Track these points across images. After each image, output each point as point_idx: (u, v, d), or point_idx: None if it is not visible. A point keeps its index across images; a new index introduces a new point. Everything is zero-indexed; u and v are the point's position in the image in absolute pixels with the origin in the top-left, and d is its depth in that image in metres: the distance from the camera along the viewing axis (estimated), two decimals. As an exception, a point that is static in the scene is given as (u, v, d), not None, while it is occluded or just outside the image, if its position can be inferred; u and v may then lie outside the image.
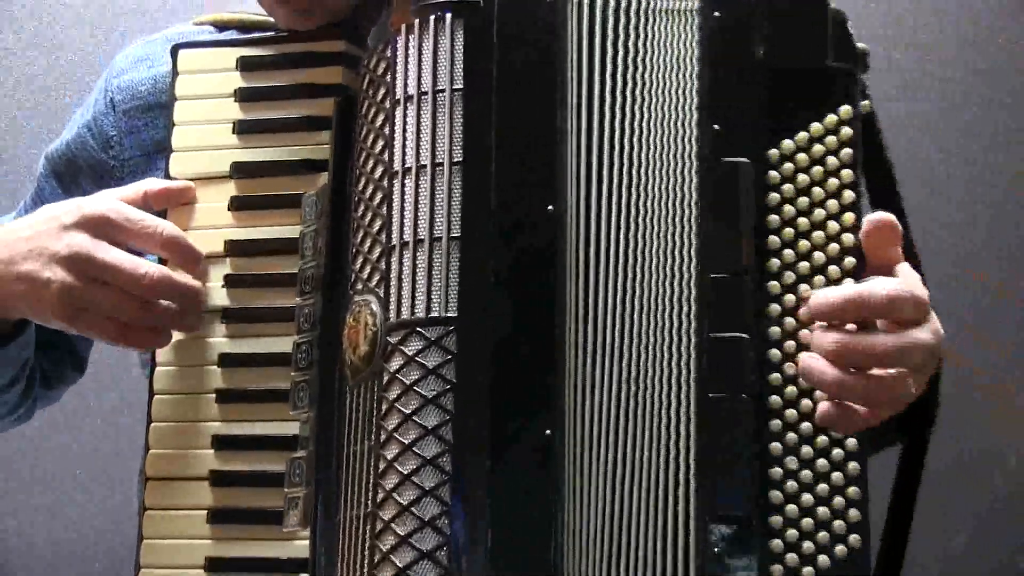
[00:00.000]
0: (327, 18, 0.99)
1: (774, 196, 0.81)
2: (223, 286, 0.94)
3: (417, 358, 0.77)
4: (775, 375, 0.79)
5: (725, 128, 0.81)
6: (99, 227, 0.90)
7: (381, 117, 0.85)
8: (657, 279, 0.81)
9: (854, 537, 0.78)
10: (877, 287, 0.77)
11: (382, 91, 0.85)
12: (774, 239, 0.81)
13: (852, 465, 0.78)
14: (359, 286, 0.84)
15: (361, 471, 0.80)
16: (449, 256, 0.78)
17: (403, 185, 0.81)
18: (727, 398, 0.78)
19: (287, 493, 0.88)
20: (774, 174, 0.81)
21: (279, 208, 0.95)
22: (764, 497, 0.77)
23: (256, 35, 1.03)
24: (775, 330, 0.80)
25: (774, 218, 0.81)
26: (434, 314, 0.78)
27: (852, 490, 0.78)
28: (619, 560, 0.78)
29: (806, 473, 0.78)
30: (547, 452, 0.75)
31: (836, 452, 0.78)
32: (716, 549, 0.76)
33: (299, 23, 0.99)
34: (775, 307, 0.80)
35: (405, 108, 0.82)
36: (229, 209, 0.96)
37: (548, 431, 0.76)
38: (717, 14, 0.82)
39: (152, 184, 0.97)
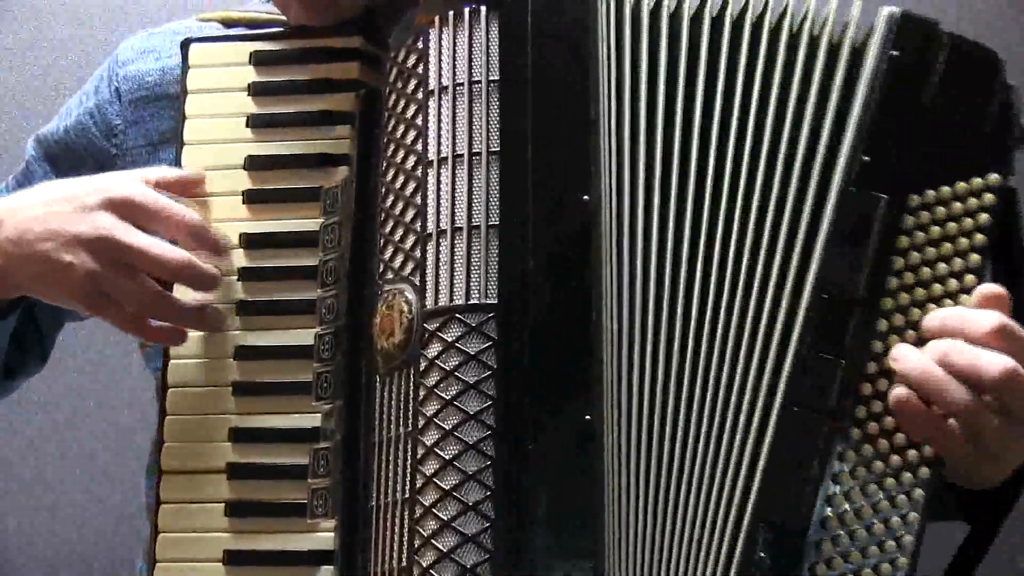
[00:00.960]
0: (340, 15, 0.99)
1: (904, 240, 0.82)
2: (238, 279, 0.94)
3: (457, 344, 0.78)
4: (862, 408, 0.80)
5: (874, 162, 0.82)
6: (124, 210, 0.89)
7: (413, 108, 0.86)
8: (755, 285, 0.82)
9: None
10: (985, 314, 0.79)
11: (413, 83, 0.86)
12: (893, 280, 0.82)
13: (913, 515, 0.79)
14: (389, 275, 0.85)
15: (396, 457, 0.80)
16: (488, 244, 0.79)
17: (439, 174, 0.82)
18: (810, 415, 0.79)
19: (311, 484, 0.88)
20: (910, 219, 0.82)
21: (295, 202, 0.95)
22: (821, 520, 0.78)
23: (270, 30, 1.03)
24: (872, 366, 0.81)
25: (899, 260, 0.82)
26: (474, 300, 0.78)
27: (907, 539, 0.79)
28: (659, 549, 0.78)
29: (867, 510, 0.79)
30: (586, 436, 0.76)
31: (901, 499, 0.79)
32: (761, 554, 0.77)
33: (312, 18, 0.99)
34: (878, 344, 0.81)
35: (440, 99, 0.83)
36: (244, 202, 0.96)
37: (588, 416, 0.77)
38: (894, 54, 0.83)
39: (166, 172, 0.96)
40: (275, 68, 0.98)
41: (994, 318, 0.78)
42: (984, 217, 0.83)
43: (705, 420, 0.80)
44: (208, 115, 0.99)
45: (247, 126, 0.97)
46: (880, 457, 0.79)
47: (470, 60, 0.83)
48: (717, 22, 0.85)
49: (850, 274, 0.81)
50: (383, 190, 0.88)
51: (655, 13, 0.85)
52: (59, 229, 0.88)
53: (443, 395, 0.77)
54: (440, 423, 0.77)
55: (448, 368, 0.78)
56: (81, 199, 0.89)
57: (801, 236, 0.82)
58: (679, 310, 0.81)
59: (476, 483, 0.75)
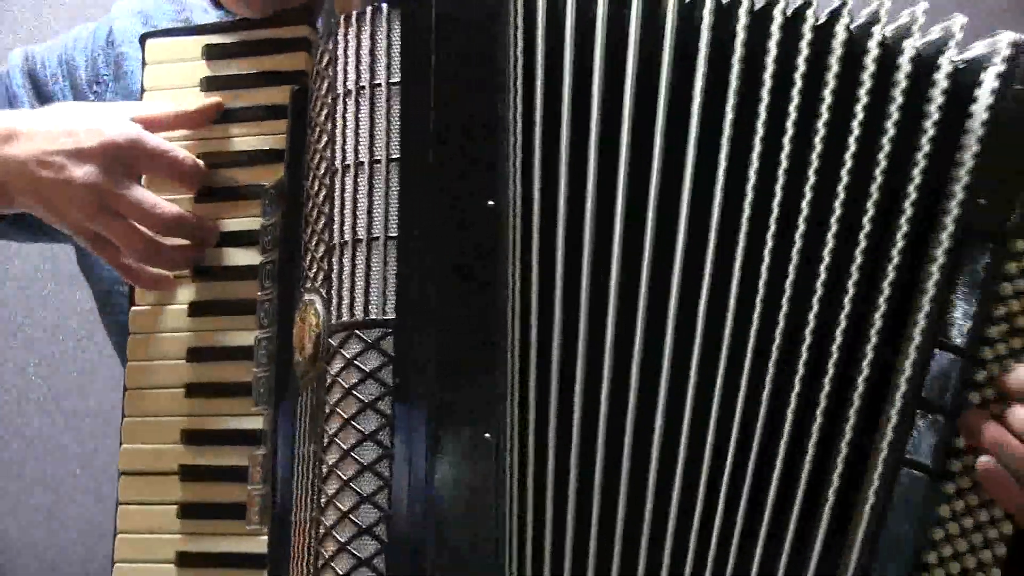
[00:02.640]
0: (279, 4, 0.97)
1: (1007, 287, 0.77)
2: (192, 279, 0.94)
3: (356, 361, 0.76)
4: (956, 463, 0.77)
5: (988, 204, 0.76)
6: (119, 157, 0.90)
7: (325, 112, 0.83)
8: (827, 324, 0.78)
9: None
10: None
11: (325, 85, 0.84)
12: (993, 329, 0.77)
13: (996, 571, 0.77)
14: (307, 284, 0.83)
15: (308, 474, 0.79)
16: (387, 256, 0.76)
17: (343, 182, 0.80)
18: (917, 476, 0.76)
19: (250, 490, 0.87)
20: (1013, 265, 0.77)
21: (244, 199, 0.94)
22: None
23: (222, 21, 1.02)
24: (964, 420, 0.77)
25: (999, 309, 0.77)
26: (372, 316, 0.76)
27: None
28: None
29: (955, 565, 0.77)
30: (488, 459, 0.74)
31: (987, 554, 0.77)
32: None
33: (252, 6, 0.98)
34: (975, 396, 0.77)
35: (345, 103, 0.80)
36: (196, 201, 0.95)
37: (487, 434, 0.74)
38: (1018, 87, 0.77)
39: (187, 106, 0.95)
40: (226, 62, 0.97)
41: None
42: None
43: (632, 441, 0.77)
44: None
45: None
46: (970, 512, 0.77)
47: (372, 62, 0.79)
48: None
49: (959, 324, 0.76)
50: (304, 195, 0.86)
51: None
52: (58, 173, 0.89)
53: (343, 413, 0.75)
54: (340, 442, 0.75)
55: (347, 385, 0.76)
56: (80, 138, 0.90)
57: (903, 280, 0.76)
58: (639, 322, 0.78)
59: (371, 505, 0.73)
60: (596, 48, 0.79)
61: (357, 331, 0.76)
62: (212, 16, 1.09)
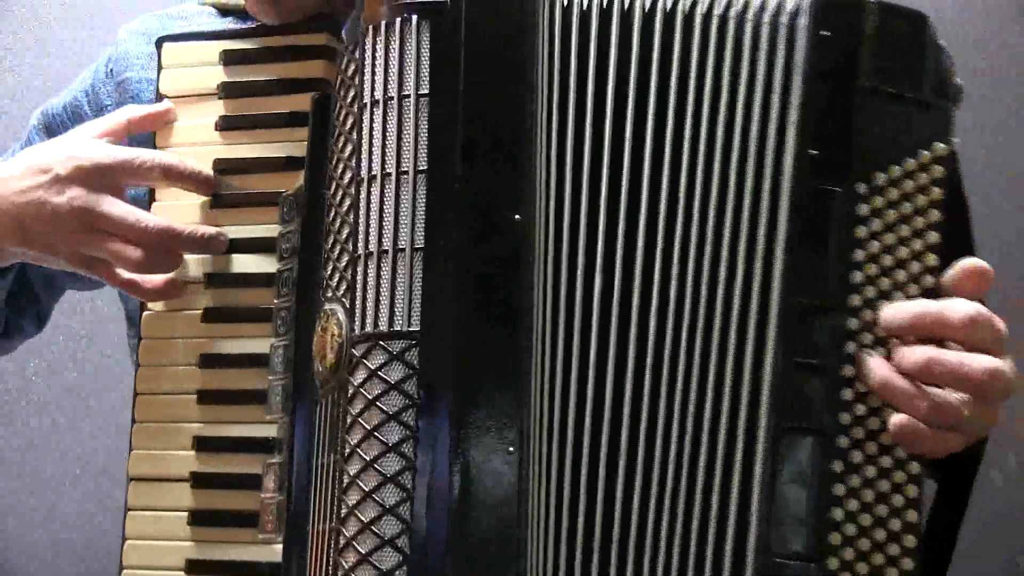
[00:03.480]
0: (296, 12, 0.97)
1: (862, 230, 0.77)
2: (206, 286, 0.94)
3: (380, 372, 0.75)
4: (845, 415, 0.76)
5: (822, 154, 0.77)
6: (97, 176, 0.90)
7: (350, 121, 0.83)
8: (719, 299, 0.78)
9: None
10: (956, 305, 0.75)
11: (352, 94, 0.84)
12: (858, 274, 0.77)
13: (911, 513, 0.76)
14: (328, 293, 0.83)
15: (327, 485, 0.79)
16: (413, 268, 0.76)
17: (369, 193, 0.80)
18: (794, 431, 0.76)
19: (263, 499, 0.87)
20: (864, 207, 0.77)
21: (260, 206, 0.94)
22: (823, 539, 0.75)
23: (240, 27, 1.02)
24: (848, 369, 0.77)
25: (859, 252, 0.77)
26: (397, 327, 0.76)
27: (908, 538, 0.76)
28: None
29: (865, 517, 0.76)
30: (511, 474, 0.73)
31: (897, 499, 0.76)
32: None
33: (267, 13, 0.98)
34: (851, 345, 0.77)
35: (372, 113, 0.80)
36: (212, 207, 0.95)
37: (511, 449, 0.73)
38: (825, 33, 0.78)
39: (134, 111, 0.97)
40: (244, 67, 0.97)
41: (963, 309, 0.75)
42: (937, 192, 0.78)
43: (660, 449, 0.77)
44: (180, 118, 0.98)
45: (216, 129, 0.97)
46: (870, 461, 0.76)
47: (401, 73, 0.79)
48: (655, 20, 0.80)
49: (817, 277, 0.77)
50: (327, 204, 0.86)
51: (605, 14, 0.80)
52: (38, 206, 0.90)
53: (365, 424, 0.75)
54: (362, 453, 0.75)
55: (371, 397, 0.75)
56: (55, 170, 0.91)
57: (762, 243, 0.77)
58: (631, 335, 0.77)
59: (393, 517, 0.73)
60: (632, 62, 0.80)
61: (381, 342, 0.76)
62: (220, 27, 1.09)
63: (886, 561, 0.76)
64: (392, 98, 0.80)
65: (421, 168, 0.78)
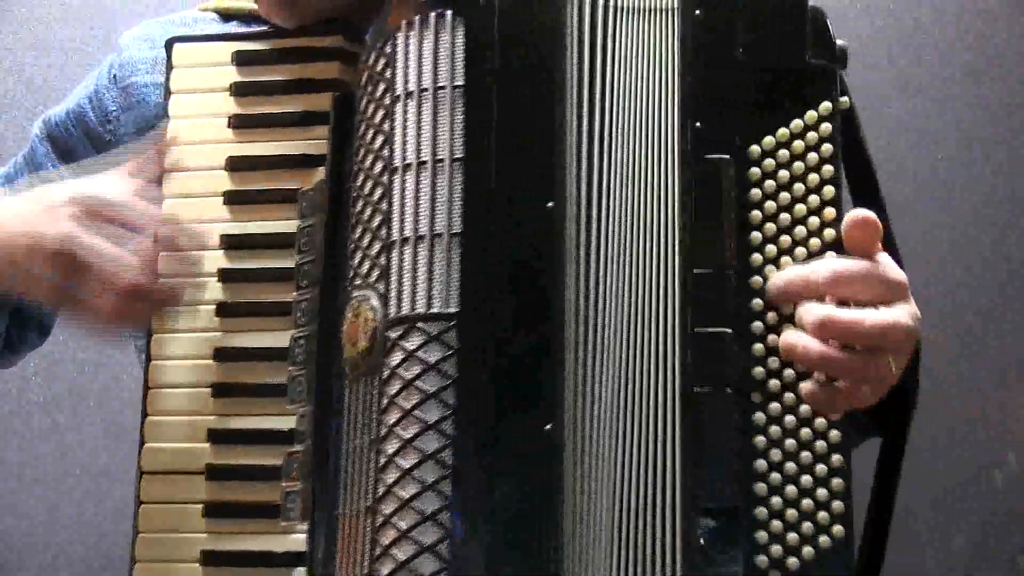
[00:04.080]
0: (311, 16, 0.99)
1: (756, 192, 0.81)
2: (218, 280, 0.94)
3: (418, 353, 0.77)
4: (759, 369, 0.79)
5: (706, 125, 0.81)
6: (90, 211, 0.89)
7: (381, 113, 0.85)
8: (646, 275, 0.81)
9: (837, 528, 0.78)
10: (821, 265, 0.78)
11: (381, 87, 0.85)
12: (756, 235, 0.81)
13: (835, 457, 0.79)
14: (357, 281, 0.84)
15: (361, 466, 0.80)
16: (450, 252, 0.78)
17: (403, 181, 0.82)
18: (710, 392, 0.79)
19: (284, 487, 0.88)
20: (755, 170, 0.82)
21: (275, 203, 0.94)
22: (749, 489, 0.78)
23: (253, 30, 1.03)
24: (757, 325, 0.80)
25: (756, 214, 0.81)
26: (435, 309, 0.78)
27: (836, 482, 0.79)
28: (617, 555, 0.78)
29: (790, 465, 0.79)
30: (547, 446, 0.76)
31: (820, 444, 0.79)
32: (702, 541, 0.77)
33: (281, 16, 0.99)
34: (757, 302, 0.80)
35: (406, 104, 0.82)
36: (224, 203, 0.96)
37: (548, 425, 0.76)
38: (698, 12, 0.83)
39: (136, 159, 0.96)
40: (257, 68, 0.98)
41: (827, 267, 0.78)
42: (827, 148, 0.82)
43: (643, 418, 0.80)
44: (191, 116, 0.99)
45: (229, 126, 0.97)
46: (789, 411, 0.79)
47: (435, 66, 0.82)
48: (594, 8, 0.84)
49: (712, 241, 0.80)
50: (354, 195, 0.87)
51: (620, 13, 0.84)
52: (31, 233, 0.89)
53: (403, 405, 0.77)
54: (400, 433, 0.76)
55: (408, 377, 0.77)
56: (51, 200, 0.90)
57: (661, 216, 0.81)
58: (618, 313, 0.80)
59: (434, 493, 0.74)
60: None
61: (419, 324, 0.78)
62: (223, 32, 1.10)
63: (815, 506, 0.78)
64: (427, 90, 0.82)
65: (457, 156, 0.80)
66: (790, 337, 0.78)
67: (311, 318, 0.90)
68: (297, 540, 0.87)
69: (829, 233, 0.81)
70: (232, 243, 0.95)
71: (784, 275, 0.80)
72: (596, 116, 0.82)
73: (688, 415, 0.79)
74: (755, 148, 0.82)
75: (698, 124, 0.82)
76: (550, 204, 0.79)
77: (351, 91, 0.91)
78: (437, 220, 0.79)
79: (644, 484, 0.79)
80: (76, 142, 1.13)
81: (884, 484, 0.88)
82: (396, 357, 0.78)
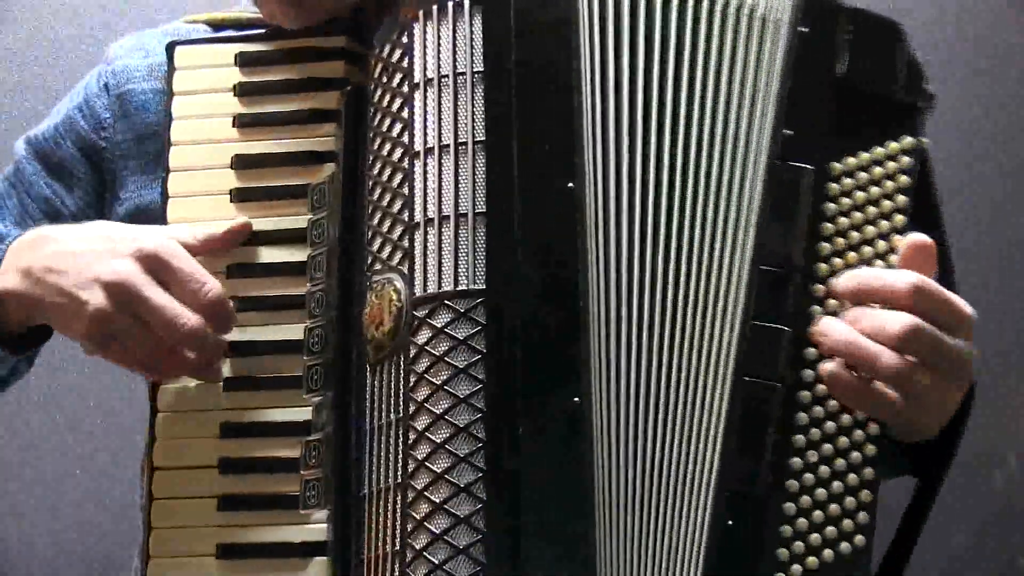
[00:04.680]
0: (315, 17, 0.99)
1: (831, 206, 0.85)
2: (226, 276, 0.95)
3: (447, 330, 0.79)
4: (808, 372, 0.82)
5: (796, 135, 0.85)
6: (151, 263, 0.89)
7: (398, 101, 0.87)
8: (704, 262, 0.84)
9: (859, 538, 0.81)
10: (904, 275, 0.80)
11: (398, 77, 0.87)
12: (825, 246, 0.84)
13: (868, 471, 0.81)
14: (378, 266, 0.86)
15: (388, 444, 0.81)
16: (475, 231, 0.80)
17: (425, 164, 0.83)
18: (760, 382, 0.81)
19: (303, 476, 0.88)
20: (834, 186, 0.85)
21: (282, 199, 0.95)
22: (781, 483, 0.80)
23: (255, 31, 1.03)
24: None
25: (828, 226, 0.84)
26: (462, 287, 0.79)
27: (864, 493, 0.81)
28: (647, 530, 0.79)
29: (824, 469, 0.81)
30: (576, 418, 0.77)
31: (855, 455, 0.81)
32: (729, 523, 0.79)
33: (286, 19, 1.00)
34: (816, 308, 0.83)
35: (425, 91, 0.84)
36: (231, 201, 0.97)
37: (576, 398, 0.77)
38: (803, 29, 0.86)
39: (213, 230, 0.95)
40: (261, 68, 0.99)
41: (910, 278, 0.80)
42: (904, 179, 0.86)
43: (681, 397, 0.81)
44: (195, 116, 0.99)
45: (234, 126, 0.98)
46: (831, 417, 0.81)
47: (454, 52, 0.84)
48: (683, 6, 0.86)
49: (783, 242, 0.83)
50: (370, 183, 0.89)
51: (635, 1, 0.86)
52: (84, 266, 0.89)
53: (434, 380, 0.78)
54: (431, 408, 0.78)
55: (438, 354, 0.78)
56: (114, 243, 0.90)
57: (735, 212, 0.84)
58: (657, 294, 0.83)
59: (468, 465, 0.76)
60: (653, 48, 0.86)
61: (447, 301, 0.79)
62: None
63: (842, 512, 0.81)
64: (447, 76, 0.84)
65: (479, 139, 0.82)
66: (828, 325, 0.80)
67: (326, 308, 0.91)
68: (314, 530, 0.87)
69: (894, 258, 0.84)
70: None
71: (860, 274, 0.82)
72: (612, 101, 0.84)
73: (735, 401, 0.81)
74: (837, 165, 0.85)
75: (788, 132, 0.85)
76: (571, 184, 0.81)
77: (362, 85, 0.92)
78: (461, 201, 0.81)
79: (675, 462, 0.81)
80: (66, 154, 1.12)
81: (910, 525, 0.89)
82: (424, 335, 0.80)
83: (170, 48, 1.00)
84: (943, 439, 0.87)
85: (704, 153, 0.85)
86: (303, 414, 0.90)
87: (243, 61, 0.99)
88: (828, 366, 0.80)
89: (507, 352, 0.77)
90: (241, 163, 0.97)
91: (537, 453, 0.76)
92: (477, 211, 0.80)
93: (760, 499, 0.79)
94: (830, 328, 0.81)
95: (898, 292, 0.80)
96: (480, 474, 0.76)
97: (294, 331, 0.92)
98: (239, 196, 0.96)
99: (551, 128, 0.82)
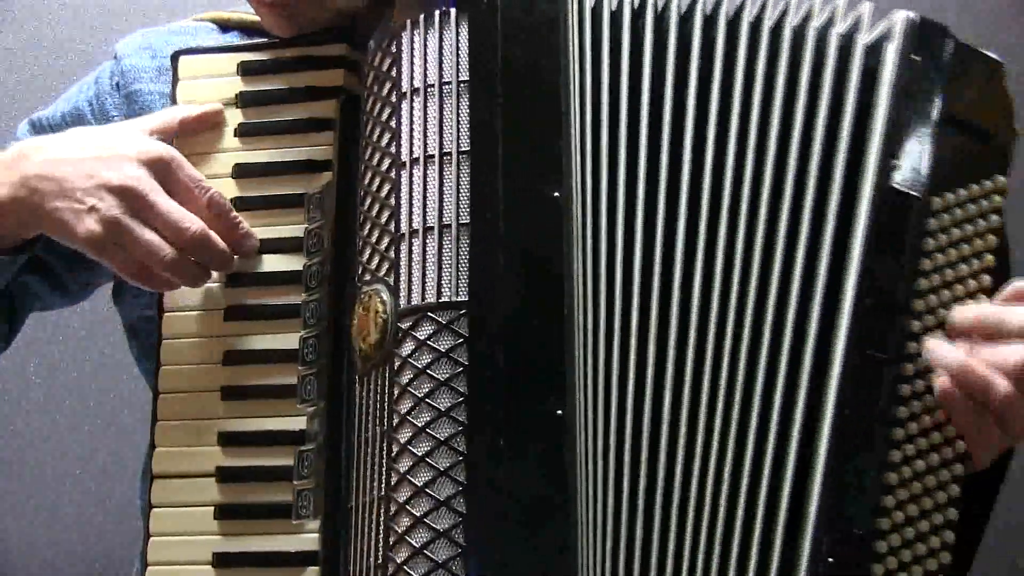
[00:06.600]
0: (311, 25, 1.00)
1: (930, 242, 0.84)
2: (227, 284, 0.95)
3: (429, 342, 0.78)
4: (903, 409, 0.81)
5: (902, 164, 0.83)
6: (157, 168, 0.90)
7: (388, 111, 0.87)
8: (718, 276, 0.83)
9: None
10: (1020, 312, 0.81)
11: (388, 85, 0.87)
12: (923, 281, 0.83)
13: (952, 511, 0.82)
14: (367, 276, 0.86)
15: (374, 456, 0.81)
16: (459, 242, 0.80)
17: (411, 175, 0.83)
18: (864, 420, 0.80)
19: (296, 486, 0.89)
20: (933, 222, 0.84)
21: (281, 208, 0.96)
22: (875, 522, 0.80)
23: (257, 40, 1.04)
24: (908, 367, 0.82)
25: (926, 262, 0.84)
26: (445, 299, 0.79)
27: (948, 533, 0.81)
28: (630, 545, 0.79)
29: (912, 508, 0.81)
30: (558, 431, 0.77)
31: (941, 495, 0.82)
32: (831, 560, 0.78)
33: (281, 27, 1.00)
34: (913, 345, 0.82)
35: (412, 100, 0.84)
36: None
37: (559, 411, 0.77)
38: (916, 58, 0.85)
39: (186, 111, 0.97)
40: (262, 78, 0.99)
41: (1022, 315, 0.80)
42: (995, 219, 0.86)
43: (704, 417, 0.81)
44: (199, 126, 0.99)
45: (235, 135, 0.98)
46: (921, 456, 0.81)
47: (440, 62, 0.83)
48: (692, 21, 0.86)
49: (892, 276, 0.82)
50: (362, 193, 0.89)
51: (637, 14, 0.86)
52: (91, 172, 0.89)
53: (416, 393, 0.78)
54: (413, 420, 0.78)
55: (420, 366, 0.78)
56: (117, 147, 0.90)
57: (830, 236, 0.82)
58: (653, 305, 0.82)
59: (448, 479, 0.75)
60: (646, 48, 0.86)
61: (430, 313, 0.79)
62: (222, 42, 1.10)
63: (927, 552, 0.81)
64: (432, 85, 0.83)
65: (464, 149, 0.81)
66: (939, 345, 0.80)
67: (320, 318, 0.91)
68: (309, 539, 0.88)
69: (981, 299, 0.84)
70: None
71: (978, 310, 0.82)
72: (603, 108, 0.83)
73: (841, 437, 0.80)
74: (937, 200, 0.84)
75: (895, 160, 0.83)
76: (556, 194, 0.80)
77: (357, 94, 0.92)
78: (445, 211, 0.80)
79: (705, 487, 0.81)
80: None
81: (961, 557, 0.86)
82: (408, 346, 0.79)
83: (175, 58, 1.01)
84: (991, 471, 0.86)
85: (749, 165, 0.83)
86: (299, 423, 0.91)
87: (245, 70, 0.99)
88: (942, 379, 0.80)
89: (488, 364, 0.77)
90: (241, 172, 0.97)
91: (518, 467, 0.75)
92: (461, 222, 0.80)
93: (864, 537, 0.79)
94: (939, 348, 0.81)
95: (1013, 328, 0.80)
96: (460, 488, 0.75)
97: (292, 340, 0.92)
98: (239, 205, 0.96)
99: (537, 137, 0.81)
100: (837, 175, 0.84)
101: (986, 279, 0.84)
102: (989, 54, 0.88)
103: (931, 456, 0.81)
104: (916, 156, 0.84)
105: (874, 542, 0.79)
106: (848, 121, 0.84)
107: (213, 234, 0.91)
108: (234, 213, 0.93)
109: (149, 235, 0.88)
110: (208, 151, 0.98)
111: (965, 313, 0.82)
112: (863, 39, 0.86)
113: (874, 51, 0.85)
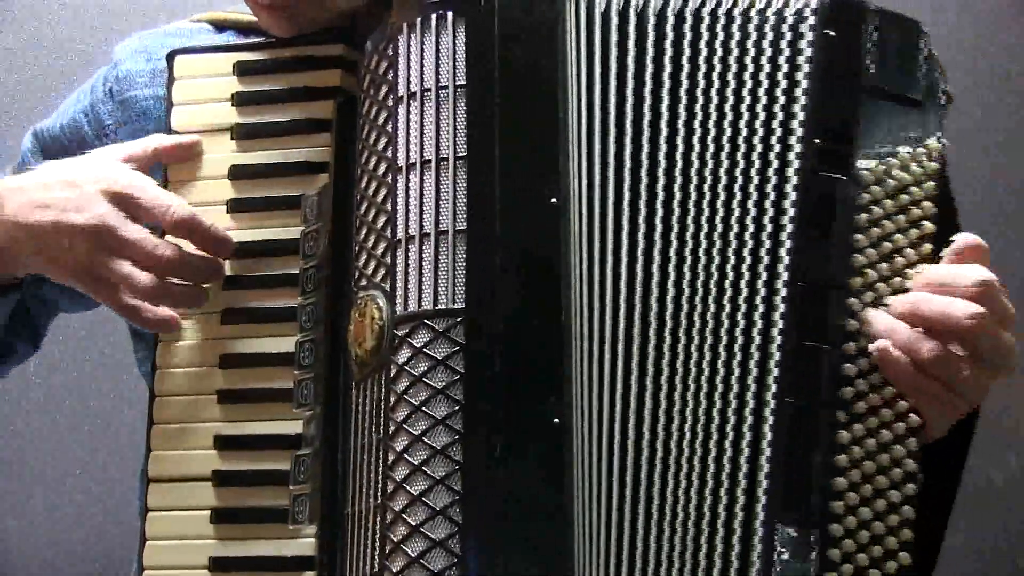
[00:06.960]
0: (310, 25, 0.99)
1: (863, 216, 0.83)
2: (223, 287, 0.95)
3: (425, 350, 0.78)
4: (847, 389, 0.80)
5: (827, 144, 0.83)
6: (122, 201, 0.91)
7: (384, 115, 0.86)
8: (714, 276, 0.82)
9: (904, 555, 0.80)
10: (971, 271, 0.80)
11: (384, 89, 0.86)
12: (859, 258, 0.82)
13: (909, 486, 0.81)
14: (363, 282, 0.85)
15: (370, 463, 0.81)
16: (455, 249, 0.79)
17: (407, 180, 0.82)
18: (806, 406, 0.80)
19: (292, 491, 0.88)
20: (864, 195, 0.83)
21: (278, 210, 0.95)
22: (827, 506, 0.79)
23: (254, 40, 1.04)
24: (851, 345, 0.81)
25: (861, 238, 0.83)
26: (441, 306, 0.78)
27: (907, 510, 0.80)
28: (630, 552, 0.79)
29: (867, 487, 0.80)
30: (556, 439, 0.76)
31: (896, 471, 0.81)
32: (780, 551, 0.78)
33: (280, 27, 1.00)
34: (853, 324, 0.81)
35: (408, 105, 0.83)
36: (228, 212, 0.96)
37: (556, 419, 0.77)
38: (829, 33, 0.84)
39: (162, 140, 0.98)
40: (259, 78, 0.99)
41: (978, 274, 0.80)
42: (931, 185, 0.84)
43: (689, 420, 0.80)
44: (194, 127, 0.99)
45: (232, 136, 0.98)
46: (871, 434, 0.80)
47: (437, 66, 0.83)
48: (679, 18, 0.85)
49: (822, 258, 0.81)
50: (358, 197, 0.88)
51: (623, 14, 0.85)
52: (59, 217, 0.90)
53: (412, 401, 0.77)
54: (409, 428, 0.77)
55: (417, 374, 0.78)
56: (81, 186, 0.91)
57: (768, 226, 0.82)
58: (652, 309, 0.81)
59: (444, 488, 0.75)
60: (647, 59, 0.85)
61: (426, 320, 0.78)
62: (219, 42, 1.09)
63: (886, 531, 0.80)
64: (429, 89, 0.83)
65: (460, 154, 0.81)
66: (875, 315, 0.80)
67: (317, 322, 0.90)
68: (306, 544, 0.88)
69: (924, 268, 0.82)
70: (236, 251, 0.95)
71: (932, 273, 0.81)
72: (598, 111, 0.83)
73: (780, 425, 0.79)
74: (867, 173, 0.83)
75: (819, 141, 0.82)
76: (553, 199, 0.80)
77: (354, 95, 0.91)
78: (442, 217, 0.80)
79: (689, 490, 0.80)
80: (72, 154, 1.10)
81: (928, 531, 0.86)
82: (404, 354, 0.79)
83: (170, 57, 1.00)
84: (952, 439, 0.85)
85: (709, 162, 0.83)
86: (296, 427, 0.90)
87: (241, 70, 0.99)
88: (878, 342, 0.79)
89: (484, 372, 0.76)
90: (237, 173, 0.97)
91: (515, 475, 0.75)
92: (457, 228, 0.79)
93: (813, 525, 0.78)
94: (874, 317, 0.80)
95: (967, 288, 0.79)
96: (456, 497, 0.75)
97: (288, 343, 0.92)
98: (235, 207, 0.96)
99: (534, 142, 0.81)
100: (772, 163, 0.83)
101: (927, 247, 0.83)
102: (907, 17, 0.87)
103: (882, 433, 0.80)
104: (839, 130, 0.83)
105: (828, 525, 0.78)
106: (779, 105, 0.83)
107: (188, 251, 0.92)
108: (205, 223, 0.93)
109: (126, 268, 0.90)
110: (204, 152, 0.98)
111: (922, 278, 0.81)
112: (786, 21, 0.85)
113: (796, 30, 0.84)
